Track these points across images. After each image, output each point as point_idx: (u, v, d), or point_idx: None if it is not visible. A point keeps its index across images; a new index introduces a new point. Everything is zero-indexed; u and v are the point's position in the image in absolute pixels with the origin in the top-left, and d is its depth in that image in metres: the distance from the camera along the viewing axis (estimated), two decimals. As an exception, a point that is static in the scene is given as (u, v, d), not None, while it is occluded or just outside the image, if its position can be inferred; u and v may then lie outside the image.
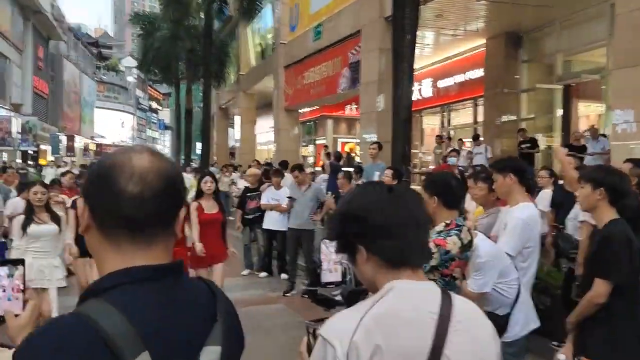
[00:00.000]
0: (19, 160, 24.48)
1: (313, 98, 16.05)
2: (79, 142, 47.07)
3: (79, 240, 5.40)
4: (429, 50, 14.03)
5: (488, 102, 13.03)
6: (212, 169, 18.64)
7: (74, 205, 5.46)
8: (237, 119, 25.04)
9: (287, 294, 7.30)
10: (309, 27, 15.72)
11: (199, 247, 5.19)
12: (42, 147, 34.73)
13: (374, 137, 10.92)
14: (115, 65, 68.67)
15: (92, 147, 53.23)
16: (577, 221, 4.39)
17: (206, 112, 22.56)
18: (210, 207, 5.39)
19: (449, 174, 3.35)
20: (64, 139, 39.46)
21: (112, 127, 62.35)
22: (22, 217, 4.63)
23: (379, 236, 1.23)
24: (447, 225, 2.57)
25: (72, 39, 49.40)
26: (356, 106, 18.15)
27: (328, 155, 10.56)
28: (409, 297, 1.18)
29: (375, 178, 7.65)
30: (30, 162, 23.08)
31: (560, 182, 6.02)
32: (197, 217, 5.25)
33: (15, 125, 25.77)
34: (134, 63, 46.81)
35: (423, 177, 8.96)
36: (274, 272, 8.26)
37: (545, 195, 5.92)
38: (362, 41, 12.31)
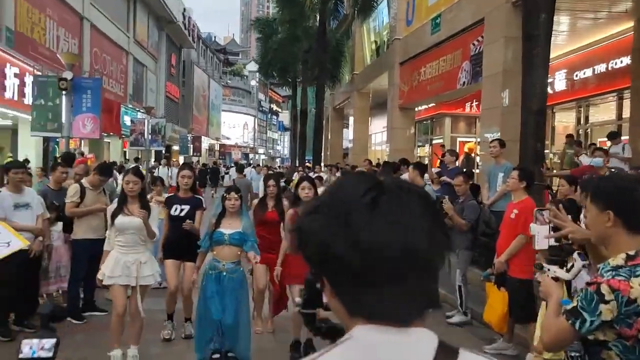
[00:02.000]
0: (152, 160, 26.20)
1: (430, 95, 15.09)
2: (205, 143, 49.90)
3: (168, 243, 5.15)
4: (562, 38, 12.44)
5: (637, 95, 11.18)
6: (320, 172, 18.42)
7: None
8: (352, 120, 24.66)
9: None
10: (426, 20, 14.81)
11: (277, 270, 4.77)
12: (174, 147, 37.22)
13: (496, 136, 9.79)
14: (240, 71, 72.22)
15: (217, 147, 56.22)
16: None
17: (319, 112, 22.42)
18: None
19: (631, 177, 2.41)
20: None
21: (236, 129, 65.51)
22: (114, 205, 4.42)
23: (342, 277, 0.80)
24: (630, 258, 1.71)
25: (202, 46, 52.57)
26: (477, 103, 16.83)
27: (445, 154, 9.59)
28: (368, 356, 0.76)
29: (499, 182, 6.65)
30: (155, 162, 24.51)
31: None
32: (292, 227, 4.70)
33: (148, 127, 27.62)
34: (257, 67, 48.57)
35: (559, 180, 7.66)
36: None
37: None
38: (485, 30, 11.20)
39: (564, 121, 15.56)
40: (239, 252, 4.54)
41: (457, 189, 6.06)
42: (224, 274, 4.41)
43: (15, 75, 14.66)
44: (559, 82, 13.88)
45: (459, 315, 5.88)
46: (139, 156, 25.57)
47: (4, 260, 4.95)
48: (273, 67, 28.95)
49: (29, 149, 16.71)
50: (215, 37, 77.61)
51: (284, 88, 55.52)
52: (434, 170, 11.05)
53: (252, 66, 58.63)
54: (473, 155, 16.51)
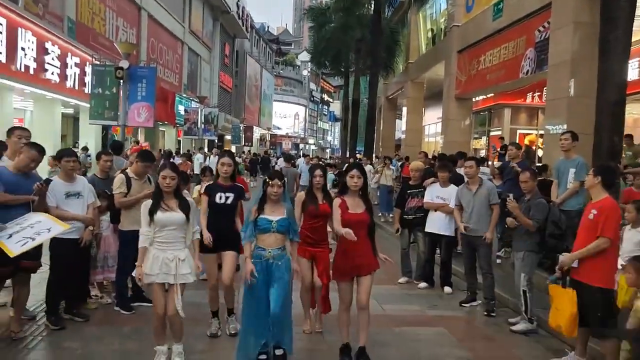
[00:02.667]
0: (205, 149, 26.55)
1: (489, 84, 14.39)
2: (257, 133, 50.35)
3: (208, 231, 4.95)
4: (637, 23, 11.51)
5: None
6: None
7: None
8: (405, 110, 24.09)
9: (466, 305, 6.31)
10: (487, 5, 14.11)
11: (347, 234, 4.35)
12: (227, 137, 37.73)
13: (561, 128, 9.15)
14: (292, 60, 72.49)
15: (268, 137, 56.63)
16: None
17: (372, 101, 21.99)
18: (355, 205, 4.45)
19: None
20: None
21: (287, 119, 65.81)
22: (149, 202, 4.26)
23: None
24: None
25: (255, 36, 52.94)
26: (539, 93, 15.97)
27: (507, 146, 9.02)
28: None
29: (570, 177, 6.12)
30: (206, 151, 24.78)
31: None
32: (339, 217, 4.42)
33: (201, 117, 28.03)
34: (309, 57, 48.57)
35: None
36: (435, 284, 7.18)
37: None
38: (552, 16, 10.48)
39: (634, 113, 14.52)
40: (284, 238, 4.33)
41: (523, 186, 5.58)
42: (270, 261, 4.24)
43: (76, 64, 15.04)
44: (631, 71, 12.90)
45: (523, 323, 5.44)
46: (175, 149, 25.87)
47: (55, 246, 4.97)
48: (325, 57, 28.71)
49: (89, 137, 17.21)
50: (268, 27, 78.05)
51: (335, 78, 55.23)
52: (495, 164, 10.48)
53: (305, 56, 58.59)
54: (534, 148, 15.71)
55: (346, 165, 17.72)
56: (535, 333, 5.38)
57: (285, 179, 4.66)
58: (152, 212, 4.14)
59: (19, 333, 4.77)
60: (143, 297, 5.76)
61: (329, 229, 5.04)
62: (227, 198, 4.93)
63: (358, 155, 23.63)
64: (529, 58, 11.78)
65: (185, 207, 4.26)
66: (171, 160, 11.38)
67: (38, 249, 4.75)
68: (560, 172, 6.42)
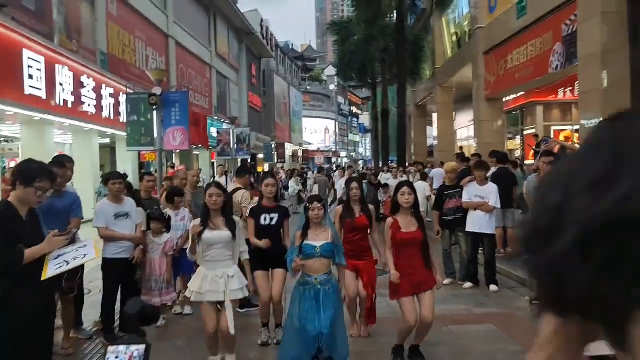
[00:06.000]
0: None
1: (519, 83, 14.25)
2: (289, 150, 50.77)
3: (257, 253, 5.06)
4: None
5: None
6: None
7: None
8: (435, 116, 23.97)
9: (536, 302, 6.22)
10: (511, 4, 14.03)
11: (394, 276, 4.44)
12: (259, 155, 38.20)
13: (596, 122, 8.98)
14: (318, 76, 73.01)
15: (300, 153, 57.01)
16: None
17: (401, 110, 21.98)
18: (408, 223, 4.47)
19: None
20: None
21: (318, 133, 66.18)
22: (197, 221, 4.40)
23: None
24: None
25: (280, 55, 53.67)
26: (571, 88, 15.70)
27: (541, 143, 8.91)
28: None
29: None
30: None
31: None
32: (391, 237, 4.45)
33: (233, 137, 28.48)
34: (334, 72, 48.89)
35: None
36: (480, 283, 7.12)
37: None
38: (578, 8, 10.36)
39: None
40: (329, 263, 4.38)
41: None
42: (319, 287, 4.25)
43: (111, 95, 15.58)
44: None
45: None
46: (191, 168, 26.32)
47: (109, 267, 5.17)
48: (351, 69, 28.90)
49: (126, 164, 17.71)
50: (292, 45, 79.01)
51: (362, 90, 55.28)
52: (533, 163, 10.35)
53: (330, 70, 59.00)
54: (570, 144, 15.41)
55: (381, 174, 17.69)
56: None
57: (317, 185, 4.74)
58: (200, 233, 4.26)
59: (68, 349, 4.97)
60: (250, 304, 5.85)
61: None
62: (271, 219, 5.02)
63: (392, 165, 23.57)
64: (557, 53, 11.64)
65: (231, 224, 4.36)
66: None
67: (74, 272, 4.70)
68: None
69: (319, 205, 4.40)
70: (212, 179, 17.70)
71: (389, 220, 4.55)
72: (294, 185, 20.12)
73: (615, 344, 0.52)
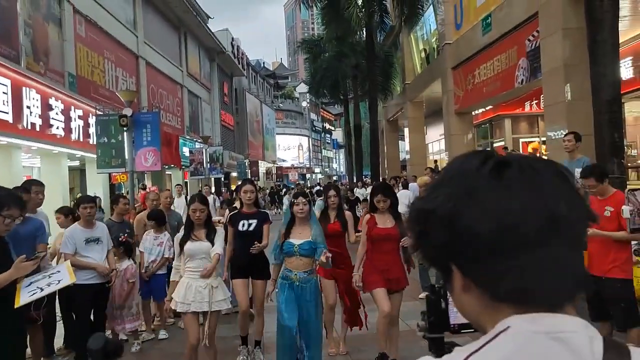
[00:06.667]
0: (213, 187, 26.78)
1: (487, 97, 14.60)
2: (262, 167, 50.71)
3: (235, 261, 5.04)
4: (625, 23, 11.72)
5: None
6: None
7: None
8: (407, 131, 24.31)
9: None
10: (476, 21, 14.43)
11: (356, 276, 4.52)
12: (232, 174, 38.04)
13: (562, 133, 9.26)
14: (290, 93, 73.35)
15: (274, 170, 57.00)
16: None
17: (373, 125, 22.22)
18: (384, 220, 4.55)
19: None
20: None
21: (291, 150, 66.30)
22: (181, 234, 4.42)
23: (477, 252, 0.68)
24: None
25: (252, 73, 53.78)
26: (537, 101, 16.15)
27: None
28: (536, 348, 0.63)
29: (577, 178, 6.18)
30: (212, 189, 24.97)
31: None
32: (367, 232, 4.53)
33: (206, 156, 28.34)
34: (306, 89, 49.18)
35: None
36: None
37: None
38: (540, 24, 10.73)
39: (635, 111, 14.63)
40: (310, 262, 4.40)
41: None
42: (297, 283, 4.30)
43: (80, 117, 15.38)
44: (625, 70, 13.07)
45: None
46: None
47: (75, 293, 5.05)
48: (323, 86, 29.18)
49: (97, 186, 17.42)
50: (264, 62, 79.29)
51: (335, 106, 55.73)
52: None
53: (302, 87, 59.41)
54: (538, 155, 15.80)
55: (355, 189, 17.76)
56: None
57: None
58: (182, 244, 4.28)
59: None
60: None
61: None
62: (249, 225, 5.00)
63: (367, 180, 23.74)
64: (522, 67, 11.99)
65: (211, 234, 4.38)
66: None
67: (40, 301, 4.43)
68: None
69: (304, 200, 4.43)
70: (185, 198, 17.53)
71: (367, 216, 4.65)
72: (286, 203, 20.10)
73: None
